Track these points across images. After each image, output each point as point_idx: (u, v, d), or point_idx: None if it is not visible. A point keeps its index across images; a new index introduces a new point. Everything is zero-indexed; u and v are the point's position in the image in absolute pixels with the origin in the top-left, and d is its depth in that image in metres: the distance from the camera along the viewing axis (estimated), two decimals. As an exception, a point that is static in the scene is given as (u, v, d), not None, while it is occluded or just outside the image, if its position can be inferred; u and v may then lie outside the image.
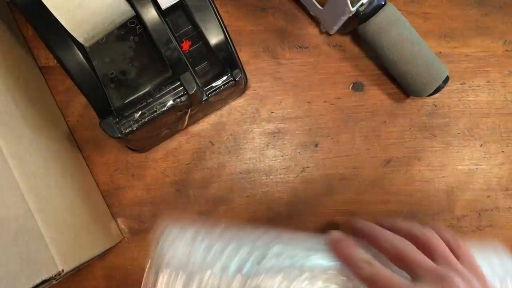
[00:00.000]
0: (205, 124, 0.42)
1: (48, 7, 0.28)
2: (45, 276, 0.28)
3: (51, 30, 0.30)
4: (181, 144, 0.41)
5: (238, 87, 0.37)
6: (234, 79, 0.35)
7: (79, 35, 0.30)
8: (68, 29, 0.29)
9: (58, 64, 0.32)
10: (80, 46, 0.31)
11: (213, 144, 0.41)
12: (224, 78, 0.35)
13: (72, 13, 0.29)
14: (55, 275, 0.29)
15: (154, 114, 0.32)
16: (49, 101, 0.40)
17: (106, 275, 0.40)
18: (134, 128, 0.32)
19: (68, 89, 0.41)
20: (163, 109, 0.32)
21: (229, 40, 0.34)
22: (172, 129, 0.39)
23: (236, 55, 0.35)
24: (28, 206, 0.30)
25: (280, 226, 0.41)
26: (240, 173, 0.41)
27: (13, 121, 0.33)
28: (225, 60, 0.34)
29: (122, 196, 0.41)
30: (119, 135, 0.32)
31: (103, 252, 0.38)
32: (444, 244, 0.29)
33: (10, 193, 0.29)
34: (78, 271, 0.40)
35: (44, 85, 0.41)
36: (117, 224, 0.41)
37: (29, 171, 0.31)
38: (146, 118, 0.32)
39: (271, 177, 0.42)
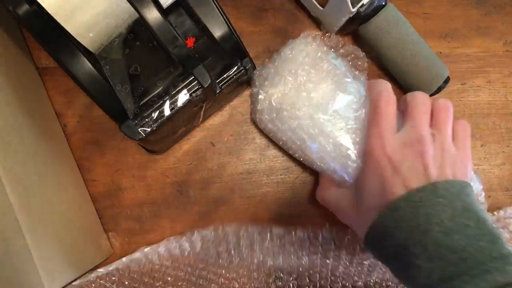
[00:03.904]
0: (206, 125, 0.42)
1: (54, 17, 0.28)
2: None
3: (58, 44, 0.30)
4: (181, 145, 0.41)
5: (249, 76, 0.37)
6: (245, 68, 0.35)
7: (87, 41, 0.30)
8: (75, 36, 0.29)
9: (59, 65, 0.32)
10: (87, 54, 0.31)
11: (213, 145, 0.41)
12: (235, 68, 0.35)
13: (77, 19, 0.29)
14: None
15: (172, 111, 0.32)
16: (48, 111, 0.40)
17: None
18: (154, 128, 0.32)
19: (69, 90, 0.41)
20: (180, 105, 0.32)
21: (233, 30, 0.34)
22: (188, 126, 0.39)
23: (242, 44, 0.35)
24: (19, 226, 0.29)
25: (281, 226, 0.41)
26: (241, 173, 0.41)
27: (10, 136, 0.32)
28: (233, 50, 0.35)
29: (122, 197, 0.41)
30: (141, 137, 0.32)
31: (91, 268, 0.37)
32: (452, 121, 0.33)
33: (1, 213, 0.28)
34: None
35: (44, 93, 0.40)
36: (108, 238, 0.40)
37: (22, 188, 0.30)
38: (165, 117, 0.32)
39: (271, 177, 0.42)
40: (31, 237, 0.29)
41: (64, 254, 0.33)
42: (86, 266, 0.36)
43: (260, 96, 0.37)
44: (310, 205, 0.41)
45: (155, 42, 0.33)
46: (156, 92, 0.33)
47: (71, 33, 0.29)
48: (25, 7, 0.29)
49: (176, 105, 0.32)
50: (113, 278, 0.38)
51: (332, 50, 0.38)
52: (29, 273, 0.29)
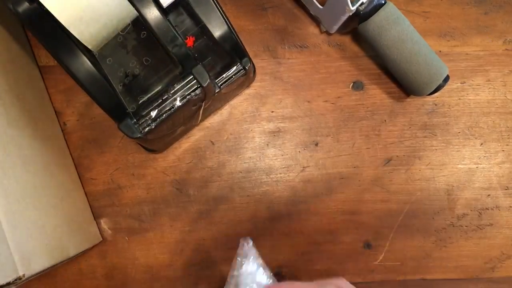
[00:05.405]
0: (205, 124, 0.42)
1: (55, 16, 0.28)
2: (1, 282, 0.27)
3: (58, 42, 0.30)
4: (181, 143, 0.41)
5: (248, 75, 0.37)
6: (244, 68, 0.35)
7: (87, 40, 0.30)
8: (75, 35, 0.29)
9: (59, 64, 0.32)
10: (87, 53, 0.31)
11: (213, 144, 0.42)
12: (234, 68, 0.35)
13: (78, 19, 0.29)
14: (14, 280, 0.28)
15: (171, 110, 0.32)
16: (44, 102, 0.40)
17: (107, 274, 0.40)
18: (153, 127, 0.32)
19: (69, 89, 0.41)
20: (179, 104, 0.32)
21: (233, 30, 0.34)
22: (187, 125, 0.39)
23: (242, 44, 0.35)
24: None
25: (280, 225, 0.41)
26: (241, 172, 0.41)
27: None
28: (232, 50, 0.35)
29: (122, 195, 0.41)
30: (139, 135, 0.32)
31: (76, 254, 0.37)
32: None
33: None
34: (79, 270, 0.40)
35: (44, 91, 0.40)
36: (100, 225, 0.40)
37: (2, 171, 0.30)
38: (164, 115, 0.32)
39: (271, 176, 0.42)
40: (8, 220, 0.29)
41: (45, 239, 0.32)
42: (70, 252, 0.36)
43: None
44: (309, 204, 0.41)
45: (155, 42, 0.33)
46: (155, 91, 0.33)
47: (71, 31, 0.29)
48: (25, 5, 0.29)
49: (175, 104, 0.32)
50: None
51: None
52: (2, 256, 0.28)
